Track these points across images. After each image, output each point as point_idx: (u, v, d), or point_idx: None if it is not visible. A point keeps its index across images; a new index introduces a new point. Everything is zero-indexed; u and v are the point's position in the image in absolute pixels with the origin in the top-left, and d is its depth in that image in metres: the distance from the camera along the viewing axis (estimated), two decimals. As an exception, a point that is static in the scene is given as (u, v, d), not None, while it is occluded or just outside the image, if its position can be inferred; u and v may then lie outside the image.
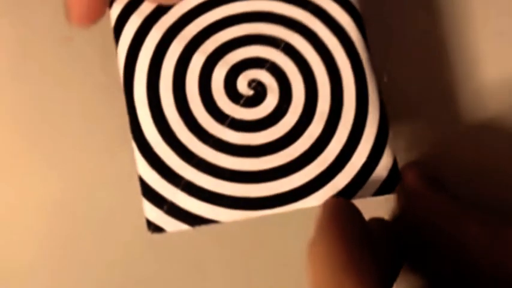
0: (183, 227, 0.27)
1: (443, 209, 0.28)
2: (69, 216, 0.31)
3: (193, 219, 0.27)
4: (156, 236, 0.28)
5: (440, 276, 0.28)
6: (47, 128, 0.32)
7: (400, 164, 0.28)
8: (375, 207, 0.30)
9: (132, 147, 0.28)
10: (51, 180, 0.32)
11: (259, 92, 0.28)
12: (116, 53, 0.29)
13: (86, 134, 0.32)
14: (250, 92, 0.28)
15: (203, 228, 0.27)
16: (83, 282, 0.31)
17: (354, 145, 0.28)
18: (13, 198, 0.32)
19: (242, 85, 0.29)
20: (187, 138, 0.28)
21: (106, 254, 0.31)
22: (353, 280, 0.24)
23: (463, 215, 0.27)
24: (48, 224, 0.31)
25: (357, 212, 0.27)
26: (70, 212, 0.31)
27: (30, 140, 0.32)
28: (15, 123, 0.32)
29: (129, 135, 0.28)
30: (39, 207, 0.31)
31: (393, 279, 0.28)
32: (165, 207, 0.27)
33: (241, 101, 0.28)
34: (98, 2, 0.29)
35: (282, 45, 0.29)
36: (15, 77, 0.33)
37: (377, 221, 0.29)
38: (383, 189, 0.28)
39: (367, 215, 0.28)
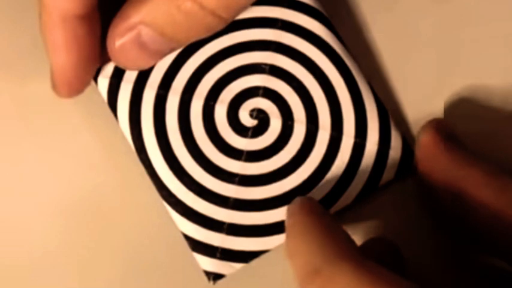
0: (239, 266, 0.29)
1: (451, 158, 0.28)
2: (81, 218, 0.31)
3: (246, 256, 0.29)
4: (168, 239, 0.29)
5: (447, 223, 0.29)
6: (56, 129, 0.32)
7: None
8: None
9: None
10: (62, 182, 0.31)
11: (262, 119, 0.30)
12: (117, 121, 0.30)
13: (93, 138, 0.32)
14: (255, 122, 0.30)
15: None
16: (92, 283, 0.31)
17: (363, 140, 0.30)
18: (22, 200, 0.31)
19: (245, 118, 0.30)
20: (214, 184, 0.29)
21: (118, 253, 0.31)
22: (331, 245, 0.25)
23: (469, 164, 0.28)
24: (58, 225, 0.31)
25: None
26: (81, 214, 0.31)
27: (36, 140, 0.32)
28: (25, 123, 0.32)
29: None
30: (49, 208, 0.31)
31: None
32: (218, 254, 0.28)
33: (250, 133, 0.30)
34: (81, 77, 0.29)
35: (267, 68, 0.30)
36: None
37: (377, 241, 0.30)
38: (402, 168, 0.30)
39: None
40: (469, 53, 0.32)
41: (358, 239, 0.30)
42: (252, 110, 0.30)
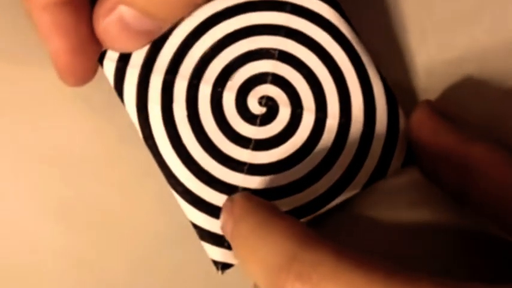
0: None
1: (450, 136, 0.28)
2: (81, 218, 0.31)
3: None
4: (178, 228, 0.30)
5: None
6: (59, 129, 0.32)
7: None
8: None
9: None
10: (61, 182, 0.32)
11: (271, 107, 0.29)
12: (123, 105, 0.29)
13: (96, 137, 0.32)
14: (264, 110, 0.29)
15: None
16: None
17: (371, 127, 0.29)
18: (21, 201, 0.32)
19: (253, 105, 0.29)
20: (222, 172, 0.29)
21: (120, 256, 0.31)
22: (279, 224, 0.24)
23: (470, 141, 0.28)
24: (60, 220, 0.31)
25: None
26: (81, 214, 0.31)
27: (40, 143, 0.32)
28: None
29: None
30: (48, 209, 0.31)
31: None
32: (226, 243, 0.28)
33: (258, 121, 0.29)
34: (81, 62, 0.29)
35: (276, 54, 0.30)
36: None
37: None
38: (411, 154, 0.29)
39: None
40: (479, 38, 0.32)
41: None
42: (261, 98, 0.29)
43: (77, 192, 0.31)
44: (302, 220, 0.29)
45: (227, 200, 0.26)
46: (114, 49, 0.29)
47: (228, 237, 0.26)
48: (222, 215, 0.26)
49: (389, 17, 0.32)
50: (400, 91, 0.31)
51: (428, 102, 0.30)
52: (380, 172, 0.29)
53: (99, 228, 0.31)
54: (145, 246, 0.31)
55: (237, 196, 0.26)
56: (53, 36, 0.28)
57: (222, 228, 0.27)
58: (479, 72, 0.32)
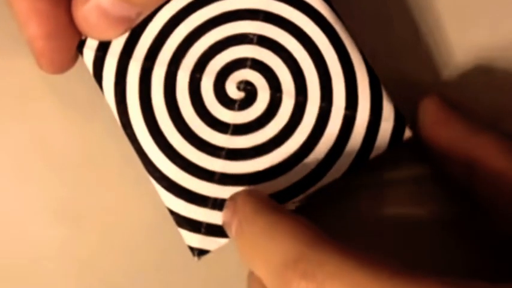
0: (224, 241, 0.28)
1: (460, 127, 0.28)
2: (77, 220, 0.31)
3: None
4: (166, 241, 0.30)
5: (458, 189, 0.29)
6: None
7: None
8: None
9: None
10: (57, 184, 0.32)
11: (250, 91, 0.29)
12: (102, 94, 0.29)
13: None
14: (242, 94, 0.29)
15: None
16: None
17: (353, 110, 0.29)
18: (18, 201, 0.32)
19: (232, 90, 0.29)
20: (200, 158, 0.29)
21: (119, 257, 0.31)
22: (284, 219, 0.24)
23: (479, 132, 0.28)
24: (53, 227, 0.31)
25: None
26: (77, 215, 0.31)
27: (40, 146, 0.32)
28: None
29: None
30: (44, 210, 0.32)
31: None
32: (203, 229, 0.28)
33: (237, 105, 0.29)
34: (58, 50, 0.29)
35: (255, 38, 0.29)
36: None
37: None
38: (395, 138, 0.29)
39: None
40: (490, 30, 0.32)
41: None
42: (240, 82, 0.29)
43: (62, 185, 0.32)
44: (282, 205, 0.28)
45: (229, 200, 0.27)
46: (93, 37, 0.29)
47: (232, 236, 0.26)
48: (224, 214, 0.27)
49: (396, 10, 0.32)
50: (409, 84, 0.31)
51: (437, 94, 0.30)
52: (363, 156, 0.29)
53: (87, 221, 0.31)
54: (137, 239, 0.31)
55: (240, 195, 0.26)
56: (30, 22, 0.28)
57: (225, 227, 0.27)
58: (488, 64, 0.31)
